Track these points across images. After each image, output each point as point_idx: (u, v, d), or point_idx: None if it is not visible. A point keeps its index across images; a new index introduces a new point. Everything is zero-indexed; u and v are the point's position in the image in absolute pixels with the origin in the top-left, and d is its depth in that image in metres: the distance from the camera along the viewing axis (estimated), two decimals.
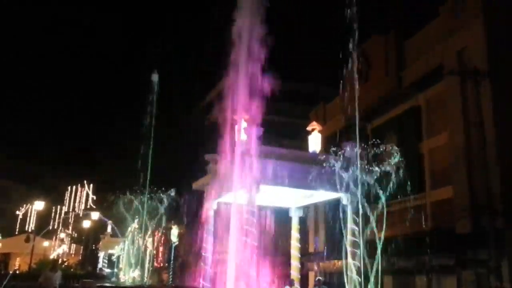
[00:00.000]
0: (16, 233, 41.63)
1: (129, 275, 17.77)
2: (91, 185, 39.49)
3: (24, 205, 42.24)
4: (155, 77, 14.30)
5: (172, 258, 31.60)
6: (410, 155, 18.61)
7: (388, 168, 11.43)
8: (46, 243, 39.07)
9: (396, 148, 11.92)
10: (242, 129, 12.42)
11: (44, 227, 30.92)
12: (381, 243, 10.91)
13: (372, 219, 11.16)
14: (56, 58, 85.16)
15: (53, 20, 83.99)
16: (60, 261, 37.20)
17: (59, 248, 41.59)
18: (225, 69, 12.32)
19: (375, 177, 11.45)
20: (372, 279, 10.53)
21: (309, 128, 15.34)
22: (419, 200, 19.52)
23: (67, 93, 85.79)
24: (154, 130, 14.43)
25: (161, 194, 15.69)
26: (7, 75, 79.60)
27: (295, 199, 14.75)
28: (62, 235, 41.94)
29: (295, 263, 15.15)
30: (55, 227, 38.32)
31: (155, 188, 15.39)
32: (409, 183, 12.55)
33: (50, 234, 37.59)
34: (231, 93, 12.20)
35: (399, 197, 12.49)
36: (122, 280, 18.80)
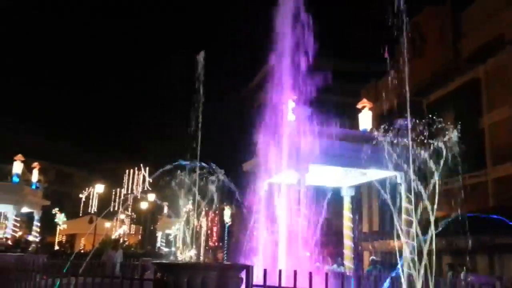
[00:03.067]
0: (80, 215, 43.87)
1: (185, 254, 18.30)
2: (147, 168, 40.82)
3: (86, 189, 44.36)
4: (201, 57, 14.40)
5: (226, 237, 32.31)
6: (469, 130, 17.81)
7: (445, 144, 10.94)
8: (107, 224, 40.93)
9: (454, 123, 11.36)
10: (290, 109, 12.31)
11: (105, 209, 32.43)
12: (438, 222, 10.54)
13: (428, 198, 10.77)
14: (106, 46, 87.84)
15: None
16: (121, 240, 38.96)
17: (120, 228, 43.51)
18: (272, 49, 12.19)
19: (431, 154, 11.01)
20: (428, 258, 10.21)
21: (359, 106, 14.97)
22: (480, 177, 18.75)
23: (119, 83, 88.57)
24: (203, 113, 14.60)
25: (212, 175, 15.97)
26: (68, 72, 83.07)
27: (347, 178, 14.52)
28: (122, 216, 43.79)
29: (348, 243, 15.06)
30: (115, 208, 40.06)
31: (206, 170, 15.67)
32: (468, 159, 12.01)
33: (111, 216, 39.37)
34: (279, 73, 12.09)
35: (457, 174, 11.98)
36: (179, 259, 19.40)
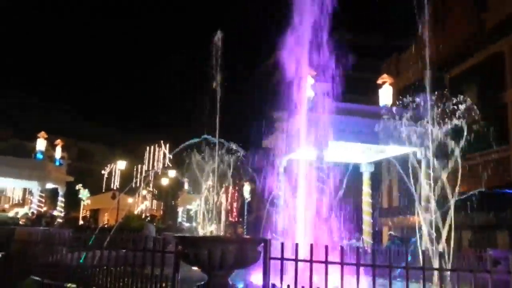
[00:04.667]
0: (103, 191, 44.78)
1: (206, 228, 18.63)
2: (167, 145, 41.25)
3: (108, 165, 45.17)
4: (219, 35, 14.41)
5: (245, 213, 32.74)
6: (491, 105, 17.49)
7: (466, 120, 10.77)
8: (130, 200, 41.74)
9: (476, 98, 11.15)
10: (309, 85, 12.24)
11: (127, 185, 33.03)
12: (458, 198, 10.48)
13: (449, 174, 10.69)
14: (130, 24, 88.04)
15: None
16: (143, 215, 39.73)
17: (142, 204, 44.35)
18: (291, 24, 12.05)
19: (452, 129, 10.87)
20: (447, 234, 10.20)
21: (379, 82, 14.77)
22: (502, 152, 18.44)
23: (135, 61, 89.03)
24: (221, 89, 14.65)
25: (231, 152, 16.15)
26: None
27: (366, 154, 14.49)
28: (144, 192, 44.52)
29: (367, 218, 15.14)
30: (137, 184, 40.79)
31: (225, 146, 15.84)
32: (490, 134, 11.85)
33: (133, 191, 40.13)
34: (297, 49, 11.98)
35: (479, 150, 11.83)
36: (201, 233, 19.78)
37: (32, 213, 23.11)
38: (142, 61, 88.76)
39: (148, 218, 34.43)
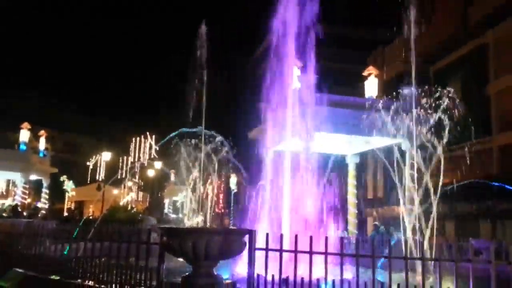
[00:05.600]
0: (88, 182, 44.33)
1: (193, 220, 18.62)
2: (153, 136, 40.93)
3: (94, 157, 44.71)
4: (203, 27, 14.38)
5: (232, 204, 32.84)
6: (475, 97, 17.69)
7: (450, 111, 10.91)
8: (115, 191, 41.37)
9: (460, 90, 11.29)
10: (296, 77, 12.25)
11: (112, 177, 32.77)
12: (442, 189, 10.63)
13: (432, 164, 10.83)
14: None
15: None
16: (129, 207, 39.43)
17: (128, 195, 43.99)
18: (277, 16, 12.03)
19: (436, 121, 11.00)
20: (431, 224, 10.35)
21: (365, 73, 14.86)
22: (485, 144, 18.70)
23: (125, 52, 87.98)
24: (208, 81, 14.61)
25: (218, 143, 16.12)
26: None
27: (352, 146, 14.58)
28: (130, 183, 44.15)
29: (352, 209, 15.28)
30: (123, 176, 40.43)
31: (211, 138, 15.81)
32: (474, 126, 12.02)
33: (119, 183, 39.81)
34: (284, 40, 11.96)
35: (462, 141, 12.02)
36: (187, 225, 19.76)
37: (16, 204, 22.84)
38: (142, 60, 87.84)
39: (134, 210, 34.29)
